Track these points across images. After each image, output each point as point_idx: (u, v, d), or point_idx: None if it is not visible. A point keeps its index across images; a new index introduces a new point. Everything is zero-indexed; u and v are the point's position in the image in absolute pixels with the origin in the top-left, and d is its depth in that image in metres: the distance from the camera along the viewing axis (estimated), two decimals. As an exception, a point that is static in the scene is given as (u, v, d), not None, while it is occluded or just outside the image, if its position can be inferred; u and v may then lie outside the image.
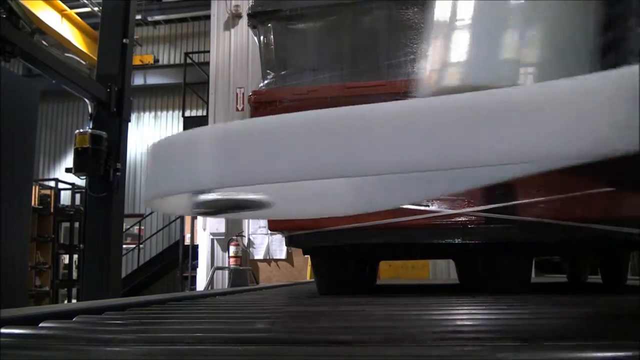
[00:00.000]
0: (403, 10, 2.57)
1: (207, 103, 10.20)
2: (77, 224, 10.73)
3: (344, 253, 2.70)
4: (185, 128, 11.29)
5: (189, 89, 11.75)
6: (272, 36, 2.72)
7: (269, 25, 2.72)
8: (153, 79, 15.94)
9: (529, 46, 1.05)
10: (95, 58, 7.35)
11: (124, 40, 7.06)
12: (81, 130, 6.73)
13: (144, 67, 15.41)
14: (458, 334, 1.10)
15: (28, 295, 8.09)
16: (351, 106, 0.70)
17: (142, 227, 14.93)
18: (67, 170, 7.06)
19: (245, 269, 8.93)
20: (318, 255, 2.81)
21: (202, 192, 1.06)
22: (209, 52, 10.17)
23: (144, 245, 14.80)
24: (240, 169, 0.76)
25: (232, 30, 9.75)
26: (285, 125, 0.76)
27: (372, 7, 2.62)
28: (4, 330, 1.14)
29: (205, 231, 9.38)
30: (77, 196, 11.87)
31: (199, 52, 13.68)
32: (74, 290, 11.26)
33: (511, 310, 1.59)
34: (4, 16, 5.17)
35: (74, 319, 1.42)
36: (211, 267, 8.87)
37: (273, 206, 1.18)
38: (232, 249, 8.86)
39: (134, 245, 14.27)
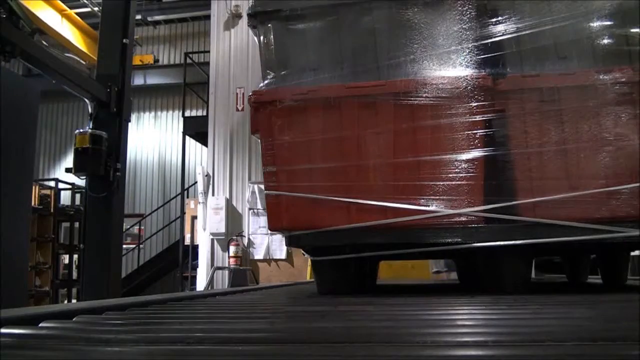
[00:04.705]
0: (403, 10, 2.56)
1: (207, 103, 10.19)
2: (77, 224, 10.71)
3: (344, 253, 2.70)
4: (185, 128, 11.27)
5: (189, 89, 11.72)
6: (272, 36, 2.71)
7: (269, 25, 2.72)
8: (153, 79, 15.93)
9: None
10: (95, 58, 7.35)
11: (124, 40, 7.05)
12: (81, 130, 6.72)
13: (144, 67, 15.40)
14: (458, 335, 1.10)
15: (28, 295, 8.08)
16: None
17: (142, 227, 14.91)
18: (67, 170, 7.04)
19: (245, 269, 8.92)
20: (318, 255, 2.81)
21: None
22: (209, 52, 10.16)
23: (144, 245, 14.79)
24: None
25: (232, 30, 9.74)
26: None
27: (372, 7, 2.62)
28: (4, 330, 1.14)
29: (205, 231, 9.37)
30: (77, 196, 11.86)
31: (199, 52, 13.66)
32: (74, 290, 11.25)
33: (511, 311, 1.59)
34: (4, 16, 5.17)
35: (74, 319, 1.42)
36: (211, 267, 8.86)
37: None
38: (232, 249, 8.85)
39: (134, 245, 14.26)
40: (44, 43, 8.99)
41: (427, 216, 2.43)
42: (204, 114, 11.31)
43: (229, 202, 9.28)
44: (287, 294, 3.19)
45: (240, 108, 9.42)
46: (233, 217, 9.24)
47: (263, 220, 8.84)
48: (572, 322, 1.35)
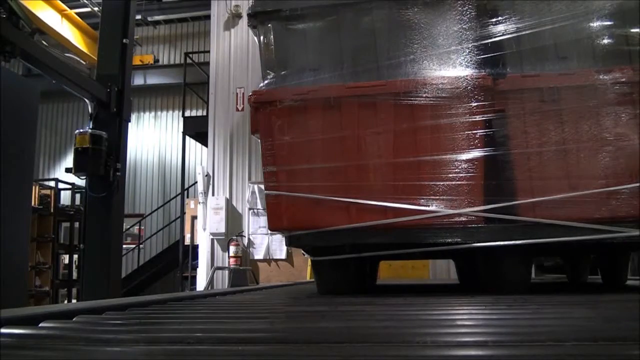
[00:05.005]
0: (403, 10, 2.57)
1: (207, 103, 10.18)
2: (77, 224, 10.70)
3: (344, 253, 2.70)
4: (185, 128, 11.26)
5: (189, 89, 11.70)
6: (272, 36, 2.71)
7: (269, 25, 2.72)
8: (153, 79, 15.93)
9: None
10: (95, 58, 7.35)
11: (124, 40, 7.05)
12: (81, 130, 6.72)
13: (144, 67, 15.39)
14: (458, 335, 1.10)
15: (28, 295, 8.08)
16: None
17: (142, 227, 14.91)
18: (67, 170, 7.04)
19: (245, 269, 8.92)
20: (318, 255, 2.81)
21: None
22: (209, 52, 10.15)
23: (144, 245, 14.79)
24: None
25: (232, 30, 9.74)
26: None
27: (372, 7, 2.62)
28: (4, 330, 1.14)
29: (205, 231, 9.37)
30: (77, 196, 11.86)
31: (199, 52, 13.66)
32: (74, 290, 11.25)
33: (511, 311, 1.59)
34: (4, 16, 5.17)
35: (74, 319, 1.42)
36: (211, 267, 8.86)
37: None
38: (232, 249, 8.85)
39: (134, 245, 14.26)
40: (44, 43, 8.99)
41: (427, 216, 2.43)
42: (204, 114, 11.30)
43: (229, 202, 9.28)
44: (287, 294, 3.19)
45: (240, 108, 9.42)
46: (233, 217, 9.24)
47: (263, 220, 8.84)
48: (572, 322, 1.35)
